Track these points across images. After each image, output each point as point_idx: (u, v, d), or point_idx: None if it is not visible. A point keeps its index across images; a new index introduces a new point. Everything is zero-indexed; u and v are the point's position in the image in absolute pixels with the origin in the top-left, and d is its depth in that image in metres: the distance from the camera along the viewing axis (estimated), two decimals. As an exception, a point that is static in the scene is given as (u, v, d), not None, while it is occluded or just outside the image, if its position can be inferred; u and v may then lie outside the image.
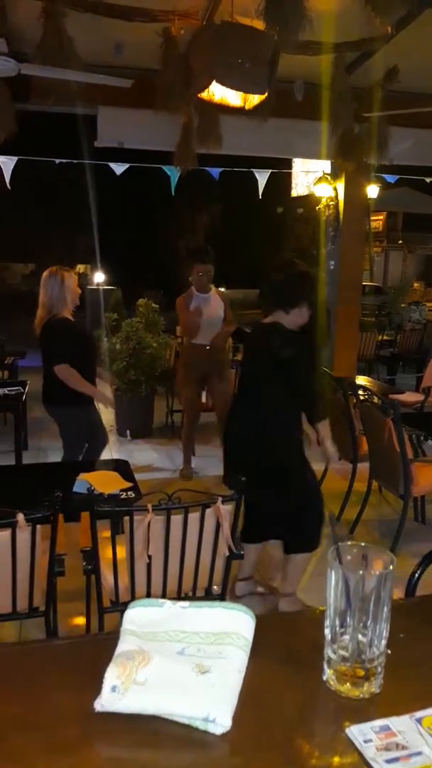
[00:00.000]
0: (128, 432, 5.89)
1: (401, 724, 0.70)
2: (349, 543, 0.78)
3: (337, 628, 0.75)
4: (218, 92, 3.75)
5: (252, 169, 5.81)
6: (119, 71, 3.95)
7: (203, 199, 16.81)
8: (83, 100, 4.33)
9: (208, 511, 2.31)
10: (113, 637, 0.80)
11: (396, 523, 3.60)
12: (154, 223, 17.70)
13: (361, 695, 0.75)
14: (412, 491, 3.58)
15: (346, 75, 4.44)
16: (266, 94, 3.71)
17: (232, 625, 0.81)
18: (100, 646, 0.80)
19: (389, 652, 0.82)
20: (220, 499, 2.32)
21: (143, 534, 2.24)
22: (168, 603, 0.85)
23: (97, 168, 5.99)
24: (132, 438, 5.90)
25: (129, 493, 2.89)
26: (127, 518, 2.23)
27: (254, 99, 3.80)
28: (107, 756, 0.66)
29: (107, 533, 2.49)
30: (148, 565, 2.29)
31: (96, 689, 0.71)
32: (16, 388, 4.95)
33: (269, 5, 3.03)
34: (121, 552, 2.30)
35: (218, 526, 2.35)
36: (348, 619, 0.75)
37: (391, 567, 0.75)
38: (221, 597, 2.53)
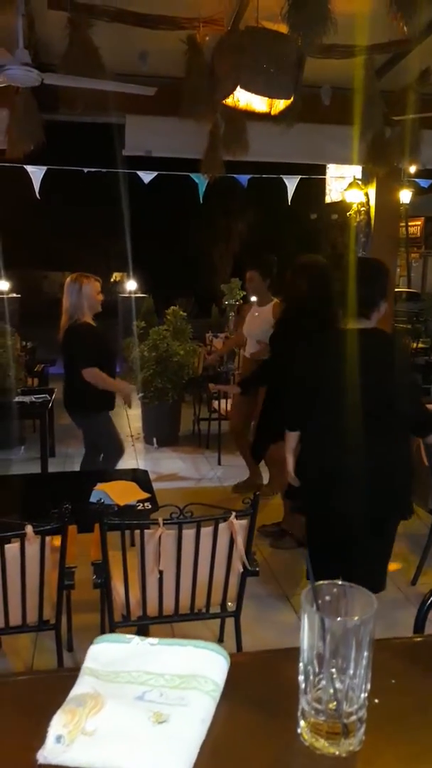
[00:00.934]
0: (155, 440, 5.87)
1: (379, 790, 0.62)
2: (327, 582, 0.71)
3: (312, 676, 0.68)
4: (243, 98, 3.71)
5: (281, 176, 5.74)
6: (144, 80, 3.94)
7: (235, 206, 16.81)
8: (111, 109, 4.34)
9: (221, 526, 2.25)
10: (72, 675, 0.74)
11: (425, 538, 3.47)
12: (185, 230, 17.77)
13: (338, 753, 0.67)
14: (439, 505, 3.45)
15: (376, 78, 4.34)
16: (292, 99, 3.66)
17: (202, 667, 0.74)
18: (61, 684, 0.74)
19: (376, 701, 0.75)
20: (233, 513, 2.25)
21: (154, 548, 2.19)
22: (136, 639, 0.79)
23: (128, 177, 6.01)
24: (158, 446, 5.87)
25: (146, 504, 2.85)
26: (138, 531, 2.19)
27: (280, 104, 3.74)
28: None
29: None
30: (160, 580, 2.24)
31: (44, 737, 0.65)
32: (44, 395, 4.98)
33: (292, 9, 2.96)
34: (133, 566, 2.26)
35: (232, 541, 2.29)
36: (324, 665, 0.68)
37: (371, 608, 0.67)
38: (236, 614, 2.46)
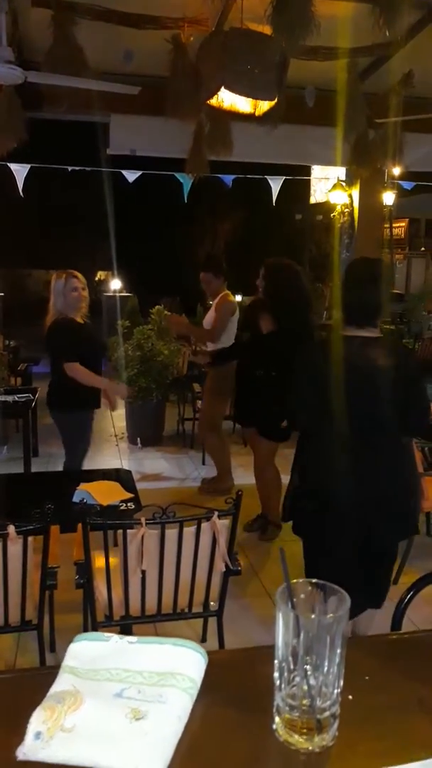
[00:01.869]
0: (139, 440, 5.87)
1: (351, 784, 0.64)
2: (301, 581, 0.72)
3: (287, 673, 0.70)
4: (228, 99, 3.72)
5: (265, 176, 5.76)
6: (129, 79, 3.94)
7: (220, 206, 16.82)
8: (95, 108, 4.33)
9: (204, 525, 2.26)
10: (51, 673, 0.75)
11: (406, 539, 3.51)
12: (170, 230, 17.73)
13: (311, 748, 0.69)
14: (423, 506, 3.48)
15: (360, 80, 4.37)
16: (276, 101, 3.67)
17: (180, 665, 0.75)
18: (39, 682, 0.75)
19: (350, 697, 0.76)
20: (216, 513, 2.26)
21: (137, 548, 2.19)
22: (115, 637, 0.80)
23: (113, 176, 6.00)
24: (142, 446, 5.87)
25: (129, 504, 2.85)
26: (120, 531, 2.19)
27: (264, 105, 3.76)
28: None
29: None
30: (143, 580, 2.24)
31: (23, 734, 0.66)
32: (27, 395, 4.95)
33: (276, 11, 2.98)
34: (116, 565, 2.26)
35: (215, 541, 2.30)
36: (299, 662, 0.69)
37: (344, 606, 0.69)
38: (219, 614, 2.47)
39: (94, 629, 2.35)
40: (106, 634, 0.80)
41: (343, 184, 5.93)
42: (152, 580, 2.26)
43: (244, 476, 4.70)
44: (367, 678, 0.81)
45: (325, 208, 8.65)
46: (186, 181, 5.56)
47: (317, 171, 8.47)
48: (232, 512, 2.30)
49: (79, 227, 17.71)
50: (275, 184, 5.80)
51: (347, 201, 5.88)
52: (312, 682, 0.69)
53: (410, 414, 2.21)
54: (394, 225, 17.17)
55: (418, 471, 2.64)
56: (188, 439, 6.03)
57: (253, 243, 17.14)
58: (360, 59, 4.32)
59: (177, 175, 5.51)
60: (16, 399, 4.87)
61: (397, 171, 5.69)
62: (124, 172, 5.54)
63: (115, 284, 11.78)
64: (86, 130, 5.28)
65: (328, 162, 5.38)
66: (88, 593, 2.33)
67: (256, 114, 3.81)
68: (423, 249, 20.50)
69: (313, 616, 0.68)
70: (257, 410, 3.85)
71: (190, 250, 17.26)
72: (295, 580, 0.72)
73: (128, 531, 2.17)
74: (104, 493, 2.88)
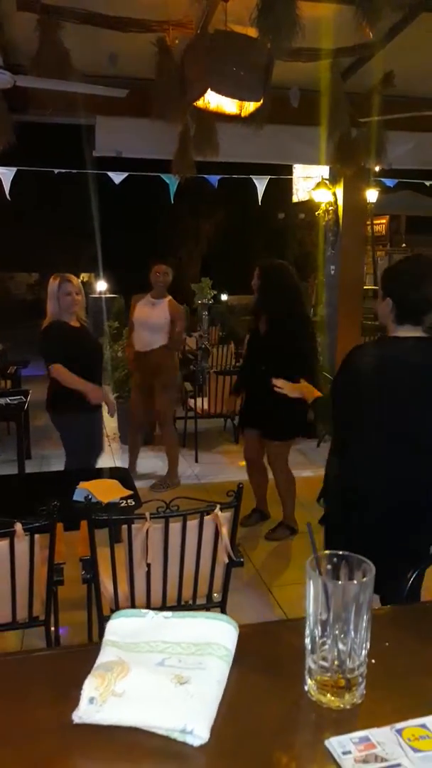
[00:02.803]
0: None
1: (381, 735, 0.69)
2: (328, 552, 0.78)
3: (317, 638, 0.75)
4: (214, 100, 3.77)
5: (251, 176, 5.82)
6: (115, 81, 3.97)
7: (205, 206, 16.87)
8: (81, 111, 4.36)
9: (206, 518, 2.31)
10: (94, 648, 0.80)
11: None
12: (156, 231, 17.76)
13: (342, 706, 0.74)
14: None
15: (342, 80, 4.45)
16: (261, 101, 3.73)
17: (214, 636, 0.80)
18: (81, 657, 0.80)
19: (373, 661, 0.82)
20: (218, 506, 2.31)
21: (141, 542, 2.24)
22: (150, 613, 0.85)
23: (98, 178, 6.02)
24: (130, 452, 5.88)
25: (129, 501, 2.89)
26: (125, 527, 2.24)
27: (250, 106, 3.81)
28: (84, 769, 0.66)
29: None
30: (148, 573, 2.29)
31: (75, 701, 0.71)
32: (18, 397, 4.96)
33: (261, 13, 3.04)
34: (121, 560, 2.30)
35: (217, 533, 2.35)
36: (328, 628, 0.75)
37: (370, 575, 0.75)
38: (222, 605, 2.52)
39: (100, 624, 2.39)
40: (143, 611, 0.85)
41: (327, 182, 6.01)
42: (157, 574, 2.30)
43: (238, 473, 4.77)
44: (387, 644, 0.87)
45: (308, 206, 8.73)
46: (172, 182, 5.60)
47: (299, 170, 8.55)
48: (233, 505, 2.35)
49: (63, 229, 17.66)
50: (260, 184, 5.86)
51: (331, 199, 5.96)
52: (341, 646, 0.75)
53: None
54: (375, 222, 17.33)
55: None
56: (181, 438, 6.07)
57: (237, 242, 17.22)
58: (342, 59, 4.39)
59: (163, 176, 5.55)
60: (8, 402, 4.87)
61: (377, 168, 5.77)
62: (110, 174, 5.56)
63: (101, 285, 11.77)
64: (72, 133, 5.31)
65: (313, 161, 5.45)
66: (94, 588, 2.37)
67: (242, 115, 3.86)
68: (404, 245, 20.70)
69: (340, 582, 0.74)
70: (263, 410, 3.89)
71: (175, 250, 17.31)
72: (321, 552, 0.77)
73: (133, 525, 2.22)
74: (104, 491, 2.92)
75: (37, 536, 2.18)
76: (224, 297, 13.66)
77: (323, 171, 6.14)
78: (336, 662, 0.74)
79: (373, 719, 0.72)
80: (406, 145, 5.40)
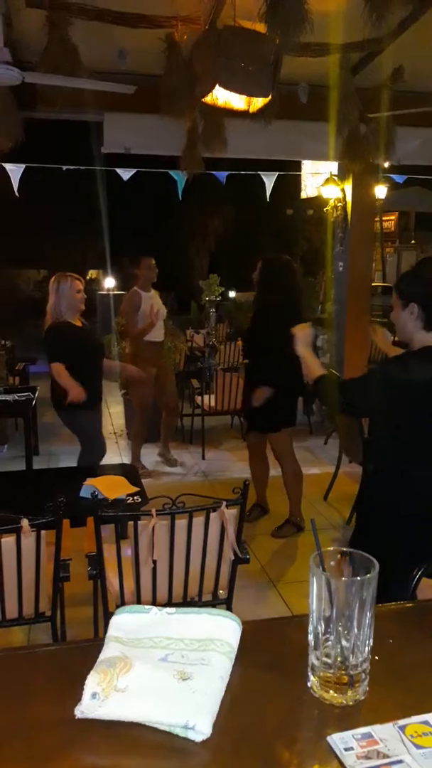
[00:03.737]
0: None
1: (384, 731, 0.69)
2: (332, 549, 0.77)
3: (320, 635, 0.75)
4: (222, 96, 3.76)
5: (259, 172, 5.81)
6: (123, 77, 3.97)
7: (213, 202, 16.85)
8: (89, 107, 4.36)
9: (212, 515, 2.31)
10: (97, 643, 0.80)
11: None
12: (164, 227, 17.76)
13: (345, 702, 0.74)
14: None
15: (351, 76, 4.42)
16: (270, 97, 3.72)
17: (217, 632, 0.80)
18: (84, 652, 0.80)
19: (376, 658, 0.82)
20: (224, 503, 2.31)
21: (148, 539, 2.24)
22: (154, 609, 0.85)
23: (106, 174, 6.02)
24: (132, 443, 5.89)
25: (135, 497, 2.89)
26: (131, 523, 2.24)
27: (258, 102, 3.80)
28: (86, 763, 0.66)
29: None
30: (154, 570, 2.29)
31: (78, 696, 0.71)
32: (26, 393, 4.98)
33: (270, 8, 3.03)
34: (127, 557, 2.31)
35: (223, 530, 2.35)
36: (331, 625, 0.74)
37: (374, 572, 0.74)
38: (228, 602, 2.52)
39: (106, 620, 2.40)
40: (146, 607, 0.85)
41: (336, 178, 5.98)
42: (163, 570, 2.31)
43: (245, 470, 4.76)
44: (390, 641, 0.86)
45: (316, 202, 8.70)
46: (180, 178, 5.59)
47: (308, 166, 8.52)
48: (239, 502, 2.35)
49: (72, 226, 17.69)
50: (269, 180, 5.85)
51: (340, 195, 5.93)
52: (344, 642, 0.74)
53: None
54: (384, 218, 17.25)
55: None
56: (188, 435, 6.09)
57: (245, 239, 17.19)
58: (351, 54, 4.36)
59: (171, 172, 5.54)
60: (17, 398, 4.90)
61: (387, 164, 5.74)
62: (119, 171, 5.57)
63: (109, 282, 11.79)
64: (80, 129, 5.31)
65: (322, 157, 5.42)
66: (100, 585, 2.38)
67: (251, 111, 3.85)
68: (413, 242, 20.61)
69: (343, 578, 0.74)
70: (249, 404, 3.90)
71: (183, 246, 17.31)
72: (325, 548, 0.77)
73: (139, 522, 2.22)
74: (110, 488, 2.93)
75: (43, 532, 2.19)
76: (232, 294, 13.65)
77: (332, 167, 6.11)
78: (339, 659, 0.74)
79: (376, 716, 0.72)
80: (415, 141, 5.37)
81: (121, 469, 3.37)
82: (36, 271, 24.36)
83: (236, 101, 3.79)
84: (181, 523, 2.26)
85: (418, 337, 1.94)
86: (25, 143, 4.15)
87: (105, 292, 11.19)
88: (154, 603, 2.36)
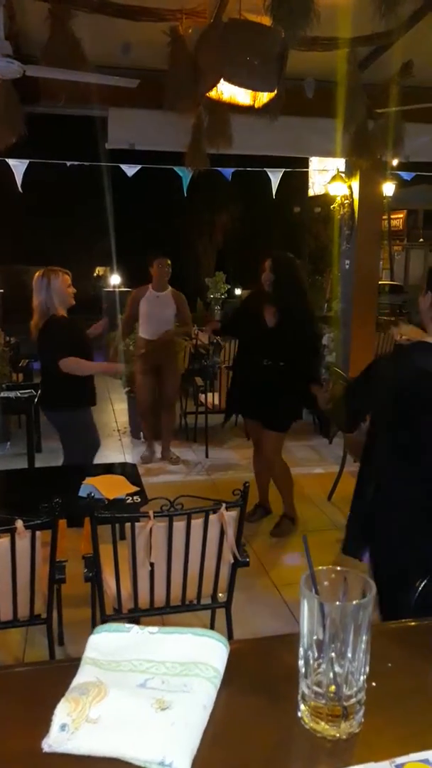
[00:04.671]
0: (141, 434, 5.86)
1: (379, 770, 0.64)
2: (325, 568, 0.72)
3: (312, 660, 0.69)
4: (227, 91, 3.69)
5: (265, 169, 5.74)
6: (127, 72, 3.91)
7: (219, 200, 16.79)
8: (93, 102, 4.30)
9: (211, 517, 2.26)
10: (72, 665, 0.75)
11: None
12: (170, 224, 17.71)
13: (338, 735, 0.68)
14: None
15: (359, 71, 4.34)
16: (275, 92, 3.65)
17: (202, 654, 0.75)
18: (61, 674, 0.75)
19: (374, 684, 0.76)
20: (224, 505, 2.26)
21: (145, 541, 2.19)
22: (135, 628, 0.79)
23: (112, 171, 5.97)
24: (145, 440, 5.85)
25: (135, 497, 2.85)
26: (129, 525, 2.19)
27: (264, 97, 3.73)
28: (54, 802, 0.61)
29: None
30: (151, 573, 2.24)
31: (47, 726, 0.66)
32: (29, 390, 4.94)
33: (276, 1, 2.95)
34: (124, 558, 2.26)
35: (222, 532, 2.30)
36: (324, 650, 0.69)
37: (370, 594, 0.69)
38: (227, 605, 2.47)
39: (104, 622, 2.35)
40: (126, 625, 0.80)
41: (343, 175, 5.90)
42: (161, 573, 2.26)
43: (248, 469, 4.70)
44: (390, 665, 0.81)
45: (323, 200, 8.64)
46: (185, 174, 5.53)
47: (315, 163, 8.45)
48: (239, 504, 2.29)
49: (77, 222, 17.67)
50: (275, 177, 5.77)
51: (347, 192, 5.85)
52: (338, 669, 0.69)
53: None
54: (392, 216, 17.14)
55: None
56: (191, 433, 6.03)
57: (252, 236, 17.11)
58: (359, 49, 4.28)
59: (176, 168, 5.48)
60: (19, 395, 4.86)
61: (395, 161, 5.66)
62: (123, 167, 5.51)
63: (115, 279, 11.75)
64: (84, 125, 5.26)
65: (329, 153, 5.35)
66: (96, 587, 2.33)
67: (256, 106, 3.78)
68: (421, 240, 20.47)
69: (337, 602, 0.68)
70: (264, 402, 3.85)
71: (190, 244, 17.25)
72: (318, 567, 0.71)
73: (136, 524, 2.17)
74: (110, 487, 2.88)
75: (39, 533, 2.15)
76: (238, 291, 13.58)
77: (339, 164, 6.04)
78: (332, 687, 0.69)
79: (372, 752, 0.66)
80: (424, 138, 5.28)
81: (122, 468, 3.32)
82: (39, 268, 24.37)
83: (241, 96, 3.72)
84: (179, 525, 2.21)
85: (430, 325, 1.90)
86: (28, 138, 4.10)
87: (111, 289, 11.15)
88: (152, 605, 2.32)
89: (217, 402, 5.65)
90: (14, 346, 7.14)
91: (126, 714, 0.65)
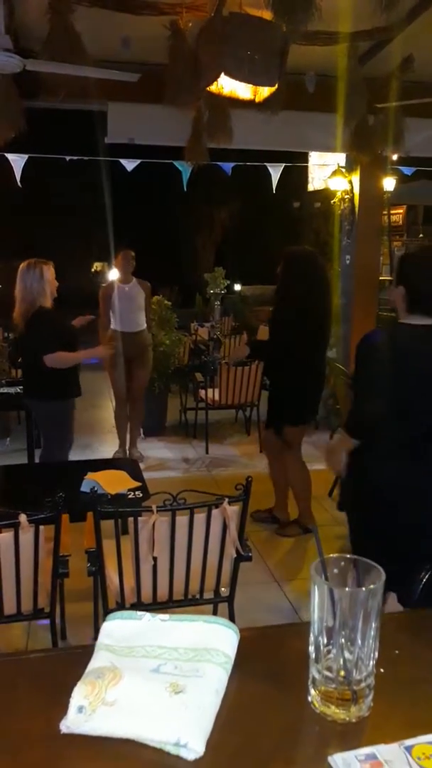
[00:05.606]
0: (141, 430, 5.87)
1: (389, 752, 0.65)
2: (335, 556, 0.73)
3: (322, 646, 0.70)
4: (227, 85, 3.69)
5: (265, 164, 5.73)
6: (127, 66, 3.91)
7: (219, 194, 16.75)
8: (93, 96, 4.30)
9: (214, 512, 2.27)
10: (89, 651, 0.76)
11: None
12: (169, 219, 17.67)
13: (348, 719, 0.70)
14: None
15: (360, 65, 4.34)
16: (276, 87, 3.65)
17: (214, 641, 0.76)
18: (74, 660, 0.76)
19: (382, 671, 0.77)
20: (226, 499, 2.27)
21: (148, 535, 2.20)
22: (147, 616, 0.81)
23: (110, 165, 5.97)
24: (145, 436, 5.87)
25: (137, 492, 2.86)
26: (131, 519, 2.20)
27: (264, 91, 3.73)
28: (71, 782, 0.62)
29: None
30: (154, 567, 2.26)
31: (65, 709, 0.67)
32: (29, 386, 4.93)
33: (277, -5, 2.95)
34: (127, 553, 2.27)
35: (225, 527, 2.31)
36: (333, 636, 0.70)
37: (379, 581, 0.70)
38: (230, 599, 2.48)
39: (106, 616, 2.36)
40: (138, 613, 0.81)
41: (344, 170, 5.90)
42: (163, 567, 2.27)
43: (249, 465, 4.73)
44: (397, 652, 0.82)
45: (323, 195, 8.61)
46: (185, 169, 5.53)
47: (315, 158, 8.43)
48: (242, 498, 2.31)
49: (76, 217, 17.62)
50: (275, 172, 5.77)
51: (347, 187, 5.85)
52: (347, 655, 0.70)
53: None
54: (392, 212, 17.11)
55: None
56: (191, 429, 6.05)
57: (251, 231, 17.09)
58: (360, 43, 4.28)
59: (176, 163, 5.48)
60: (18, 390, 4.86)
61: (395, 156, 5.66)
62: (123, 161, 5.51)
63: (113, 275, 11.73)
64: (84, 119, 5.25)
65: (329, 148, 5.35)
66: (100, 581, 2.34)
67: (256, 100, 3.78)
68: (421, 236, 20.44)
69: (347, 589, 0.69)
70: (273, 400, 3.87)
71: (189, 239, 17.22)
72: (329, 555, 0.72)
73: (139, 518, 2.18)
74: (112, 482, 2.89)
75: (42, 528, 2.16)
76: (237, 287, 13.57)
77: (339, 159, 6.03)
78: (342, 672, 0.70)
79: (381, 734, 0.68)
80: (424, 132, 5.27)
81: (123, 464, 3.33)
82: (41, 263, 24.28)
83: (242, 90, 3.72)
84: (182, 519, 2.22)
85: (402, 314, 2.13)
86: (27, 133, 4.09)
87: (108, 285, 11.14)
88: (154, 600, 2.33)
89: (217, 398, 5.66)
90: (13, 341, 7.13)
91: (141, 697, 0.67)
